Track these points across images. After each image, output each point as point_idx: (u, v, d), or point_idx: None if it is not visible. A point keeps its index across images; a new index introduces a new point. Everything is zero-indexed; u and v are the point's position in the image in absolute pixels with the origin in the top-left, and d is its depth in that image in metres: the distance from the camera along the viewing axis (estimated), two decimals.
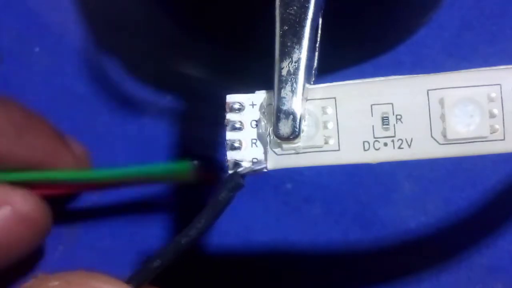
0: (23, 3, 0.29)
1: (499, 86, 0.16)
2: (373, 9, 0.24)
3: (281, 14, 0.16)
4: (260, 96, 0.17)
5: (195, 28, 0.27)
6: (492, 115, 0.16)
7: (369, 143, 0.16)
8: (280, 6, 0.16)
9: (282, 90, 0.16)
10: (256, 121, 0.17)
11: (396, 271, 0.25)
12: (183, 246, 0.17)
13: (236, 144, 0.17)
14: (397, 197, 0.25)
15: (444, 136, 0.16)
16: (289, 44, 0.16)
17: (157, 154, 0.27)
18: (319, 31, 0.17)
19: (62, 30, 0.28)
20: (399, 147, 0.16)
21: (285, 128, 0.16)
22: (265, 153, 0.17)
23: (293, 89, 0.16)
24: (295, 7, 0.16)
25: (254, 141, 0.17)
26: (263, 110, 0.17)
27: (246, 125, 0.17)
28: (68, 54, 0.28)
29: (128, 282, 0.17)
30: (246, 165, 0.16)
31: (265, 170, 0.17)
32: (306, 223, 0.26)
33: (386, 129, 0.16)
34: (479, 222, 0.25)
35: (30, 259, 0.26)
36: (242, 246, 0.26)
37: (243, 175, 0.17)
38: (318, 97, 0.16)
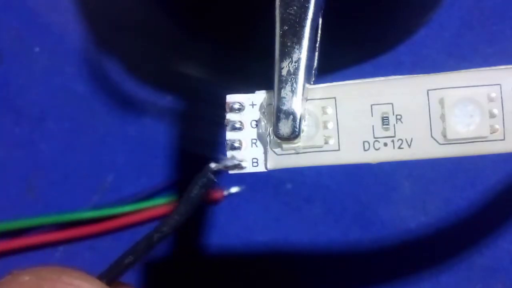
0: (23, 3, 0.29)
1: (499, 86, 0.16)
2: (373, 9, 0.24)
3: (281, 14, 0.16)
4: (260, 96, 0.17)
5: (195, 28, 0.27)
6: (492, 115, 0.16)
7: (369, 143, 0.16)
8: (280, 6, 0.16)
9: (282, 90, 0.16)
10: (256, 121, 0.17)
11: (396, 271, 0.25)
12: (155, 242, 0.17)
13: (236, 144, 0.17)
14: (397, 197, 0.25)
15: (444, 136, 0.16)
16: (289, 44, 0.16)
17: (157, 154, 0.27)
18: (319, 31, 0.17)
19: (62, 30, 0.29)
20: (399, 147, 0.16)
21: (285, 128, 0.16)
22: (265, 153, 0.17)
23: (293, 89, 0.16)
24: (295, 7, 0.16)
25: (254, 141, 0.17)
26: (263, 110, 0.17)
27: (246, 125, 0.17)
28: (68, 54, 0.28)
29: (100, 278, 0.17)
30: (220, 161, 0.16)
31: (238, 166, 0.16)
32: (306, 223, 0.26)
33: (386, 129, 0.16)
34: (479, 222, 0.25)
35: (31, 259, 0.26)
36: (242, 247, 0.26)
37: (215, 172, 0.17)
38: (318, 97, 0.16)
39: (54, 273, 0.16)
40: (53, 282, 0.15)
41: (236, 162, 0.16)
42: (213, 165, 0.16)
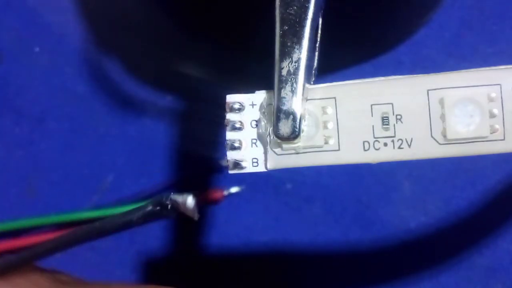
0: (23, 3, 0.29)
1: (499, 86, 0.16)
2: (373, 9, 0.24)
3: (281, 14, 0.16)
4: (260, 96, 0.17)
5: (195, 28, 0.27)
6: (492, 115, 0.16)
7: (369, 143, 0.16)
8: (280, 6, 0.16)
9: (282, 90, 0.16)
10: (256, 121, 0.17)
11: (396, 271, 0.25)
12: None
13: (236, 144, 0.17)
14: (397, 197, 0.25)
15: (444, 136, 0.16)
16: (289, 44, 0.16)
17: (157, 154, 0.27)
18: (319, 31, 0.17)
19: (62, 30, 0.29)
20: (399, 147, 0.16)
21: (285, 128, 0.16)
22: (265, 153, 0.17)
23: (293, 89, 0.16)
24: (295, 7, 0.16)
25: (254, 141, 0.17)
26: (263, 110, 0.17)
27: (246, 125, 0.17)
28: (68, 54, 0.28)
29: None
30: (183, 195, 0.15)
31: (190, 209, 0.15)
32: (306, 223, 0.26)
33: (386, 129, 0.16)
34: (479, 222, 0.25)
35: None
36: (242, 247, 0.26)
37: (167, 205, 0.16)
38: (318, 97, 0.16)
39: None
40: None
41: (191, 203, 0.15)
42: (173, 196, 0.15)
